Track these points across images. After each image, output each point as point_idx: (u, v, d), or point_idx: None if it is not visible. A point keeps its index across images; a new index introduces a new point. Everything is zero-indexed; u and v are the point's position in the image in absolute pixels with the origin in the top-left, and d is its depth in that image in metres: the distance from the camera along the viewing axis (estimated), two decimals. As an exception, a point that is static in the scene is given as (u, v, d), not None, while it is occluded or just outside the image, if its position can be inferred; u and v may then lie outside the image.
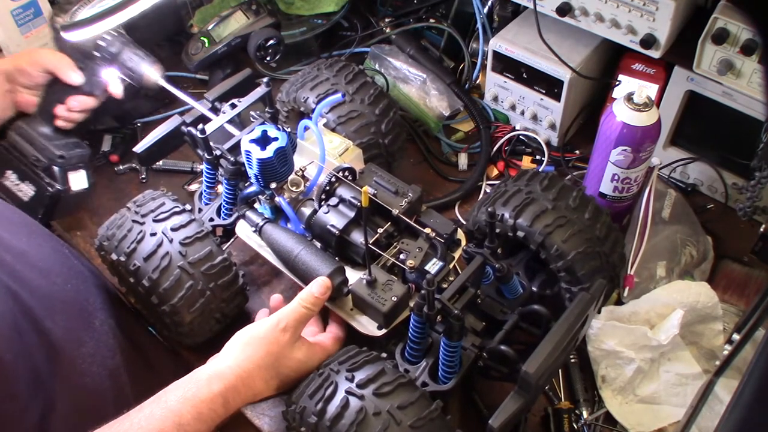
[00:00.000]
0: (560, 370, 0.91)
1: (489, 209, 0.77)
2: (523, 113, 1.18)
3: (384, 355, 0.75)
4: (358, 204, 0.84)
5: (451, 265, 0.82)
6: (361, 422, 0.65)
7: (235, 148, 0.91)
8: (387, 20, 1.34)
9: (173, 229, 0.84)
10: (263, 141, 0.82)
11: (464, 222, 0.98)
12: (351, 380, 0.69)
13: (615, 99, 0.97)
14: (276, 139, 0.82)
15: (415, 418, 0.66)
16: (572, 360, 0.91)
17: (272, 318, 0.78)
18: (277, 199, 0.86)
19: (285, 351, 0.77)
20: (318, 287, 0.79)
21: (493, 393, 0.88)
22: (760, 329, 0.64)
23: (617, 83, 1.09)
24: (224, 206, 0.94)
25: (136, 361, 0.90)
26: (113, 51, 1.04)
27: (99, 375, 0.83)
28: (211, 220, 0.94)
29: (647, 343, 0.86)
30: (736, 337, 0.68)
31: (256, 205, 0.91)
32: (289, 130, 0.87)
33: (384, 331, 0.80)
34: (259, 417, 0.87)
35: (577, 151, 1.16)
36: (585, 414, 0.87)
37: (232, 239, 0.95)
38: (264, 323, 0.78)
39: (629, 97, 0.90)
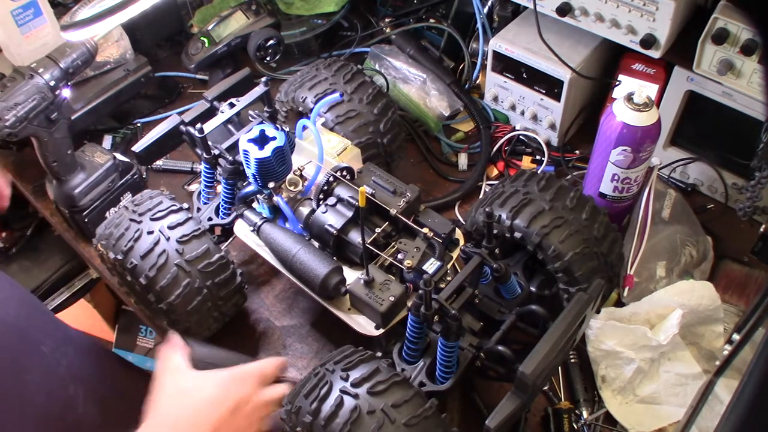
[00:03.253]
0: (560, 370, 0.90)
1: (486, 210, 0.77)
2: (523, 113, 1.18)
3: (379, 354, 0.74)
4: (356, 204, 0.84)
5: (448, 265, 0.82)
6: (356, 421, 0.65)
7: (234, 148, 0.91)
8: (387, 20, 1.34)
9: (170, 227, 0.84)
10: (261, 140, 0.83)
11: (464, 222, 0.98)
12: (346, 379, 0.69)
13: (615, 99, 0.97)
14: (274, 138, 0.82)
15: (409, 416, 0.66)
16: (572, 360, 0.91)
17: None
18: (275, 198, 0.86)
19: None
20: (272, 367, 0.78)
21: (493, 393, 0.88)
22: (760, 329, 0.64)
23: (617, 83, 1.09)
24: (223, 205, 0.94)
25: (105, 393, 0.89)
26: None
27: (46, 405, 0.82)
28: (210, 219, 0.94)
29: (647, 344, 0.86)
30: (736, 337, 0.67)
31: (255, 205, 0.91)
32: (287, 129, 0.87)
33: (381, 330, 0.79)
34: (258, 417, 0.87)
35: (577, 151, 1.16)
36: (585, 414, 0.87)
37: (231, 238, 0.95)
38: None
39: (629, 97, 0.90)
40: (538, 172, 0.96)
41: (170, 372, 0.74)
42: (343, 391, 0.68)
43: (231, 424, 0.71)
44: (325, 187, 0.87)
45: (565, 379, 0.90)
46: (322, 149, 0.88)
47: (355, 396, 0.67)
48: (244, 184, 0.91)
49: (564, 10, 1.02)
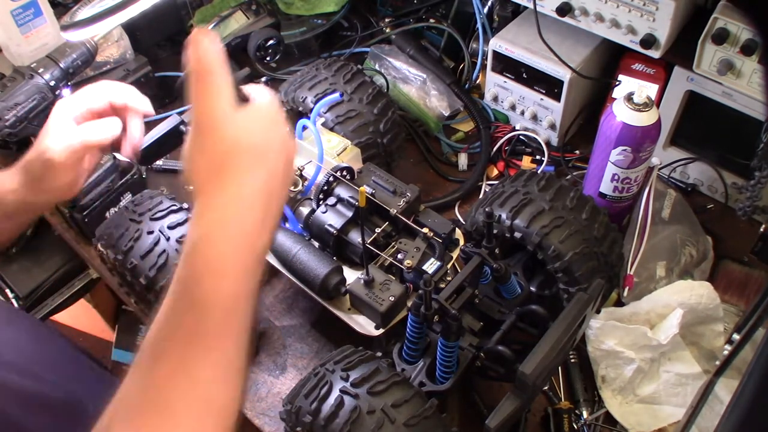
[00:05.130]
0: (560, 370, 0.90)
1: (486, 210, 0.77)
2: (523, 113, 1.18)
3: (379, 354, 0.74)
4: (356, 204, 0.84)
5: (448, 265, 0.82)
6: (355, 421, 0.65)
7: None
8: (387, 20, 1.34)
9: (170, 227, 0.84)
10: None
11: (464, 222, 0.98)
12: (346, 379, 0.69)
13: (615, 99, 0.97)
14: (274, 138, 0.82)
15: (409, 416, 0.66)
16: (572, 360, 0.91)
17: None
18: (275, 198, 0.86)
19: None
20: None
21: (493, 393, 0.88)
22: (760, 329, 0.64)
23: (617, 83, 1.09)
24: (223, 206, 0.94)
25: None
26: None
27: None
28: (210, 219, 0.94)
29: (647, 343, 0.86)
30: (736, 337, 0.67)
31: (255, 205, 0.91)
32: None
33: (381, 330, 0.79)
34: (259, 417, 0.87)
35: (577, 151, 1.16)
36: (585, 414, 0.87)
37: (231, 239, 0.95)
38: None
39: (629, 97, 0.90)
40: (538, 172, 0.96)
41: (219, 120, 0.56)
42: (343, 391, 0.68)
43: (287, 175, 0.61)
44: (325, 187, 0.87)
45: (565, 379, 0.90)
46: (322, 149, 0.88)
47: (355, 396, 0.67)
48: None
49: (564, 10, 1.02)
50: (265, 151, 0.58)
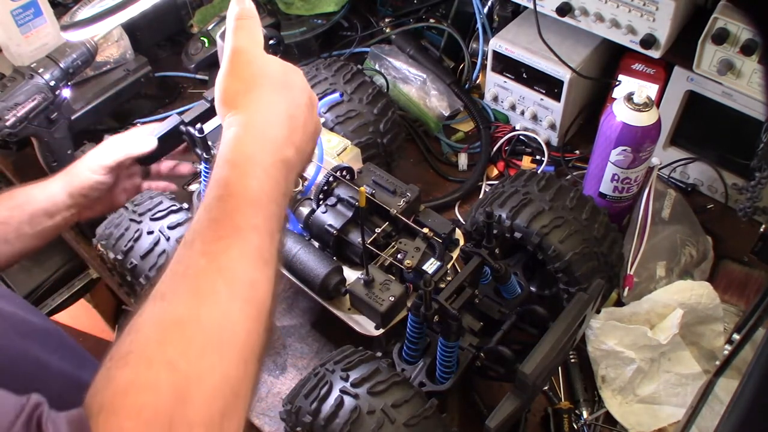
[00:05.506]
0: (560, 370, 0.90)
1: (486, 210, 0.77)
2: (523, 113, 1.18)
3: (379, 354, 0.74)
4: (356, 204, 0.84)
5: (448, 265, 0.81)
6: (355, 421, 0.65)
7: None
8: (387, 20, 1.34)
9: (170, 227, 0.84)
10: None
11: (464, 222, 0.98)
12: (346, 379, 0.69)
13: (615, 99, 0.97)
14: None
15: (409, 416, 0.66)
16: (572, 360, 0.91)
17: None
18: (275, 198, 0.86)
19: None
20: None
21: (493, 393, 0.88)
22: (760, 329, 0.64)
23: (617, 83, 1.09)
24: (223, 206, 0.94)
25: None
26: None
27: None
28: (210, 219, 0.94)
29: (647, 343, 0.86)
30: (736, 337, 0.67)
31: (255, 205, 0.91)
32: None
33: (381, 331, 0.79)
34: (259, 417, 0.87)
35: (577, 151, 1.16)
36: (585, 414, 0.87)
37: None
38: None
39: (629, 97, 0.90)
40: (538, 172, 0.96)
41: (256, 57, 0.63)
42: (343, 391, 0.68)
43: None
44: (325, 187, 0.87)
45: (565, 379, 0.90)
46: (322, 149, 0.88)
47: (355, 396, 0.67)
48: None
49: (564, 10, 1.02)
50: (290, 86, 0.64)
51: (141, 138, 0.93)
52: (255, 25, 0.64)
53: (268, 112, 0.61)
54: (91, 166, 0.91)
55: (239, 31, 0.63)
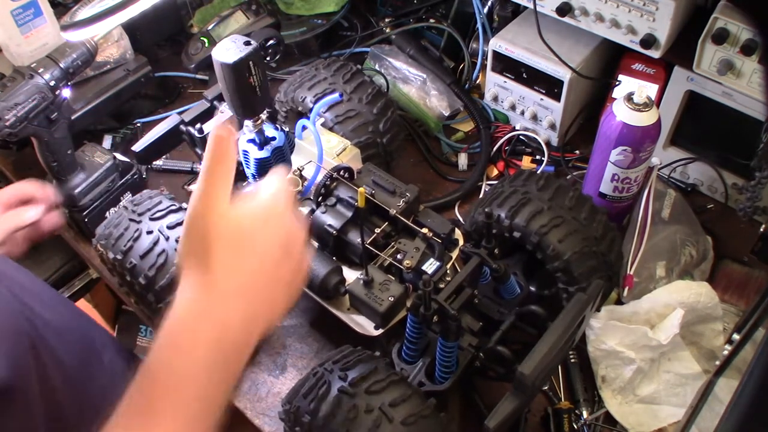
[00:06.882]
0: (560, 370, 0.90)
1: (486, 210, 0.77)
2: (523, 113, 1.18)
3: (378, 354, 0.74)
4: (356, 204, 0.84)
5: (448, 266, 0.81)
6: (353, 420, 0.65)
7: (233, 148, 0.90)
8: (387, 20, 1.34)
9: (170, 227, 0.84)
10: (261, 140, 0.82)
11: (464, 222, 0.98)
12: (344, 379, 0.69)
13: (615, 99, 0.97)
14: (273, 138, 0.82)
15: (407, 415, 0.66)
16: (572, 360, 0.91)
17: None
18: (274, 198, 0.86)
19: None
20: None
21: (493, 393, 0.88)
22: (760, 329, 0.64)
23: (617, 83, 1.09)
24: (222, 206, 0.94)
25: None
26: None
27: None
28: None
29: (647, 343, 0.86)
30: (736, 337, 0.67)
31: (254, 205, 0.91)
32: (286, 129, 0.87)
33: (381, 331, 0.79)
34: (259, 417, 0.87)
35: (577, 151, 1.16)
36: (585, 414, 0.86)
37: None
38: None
39: (629, 97, 0.90)
40: (538, 172, 0.96)
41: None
42: (341, 391, 0.68)
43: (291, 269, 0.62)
44: (325, 188, 0.87)
45: (565, 379, 0.90)
46: (321, 149, 0.88)
47: (353, 395, 0.67)
48: (244, 184, 0.91)
49: (564, 10, 1.02)
50: (254, 239, 0.59)
51: (26, 210, 0.95)
52: (226, 170, 0.58)
53: (222, 273, 0.57)
54: None
55: (202, 186, 0.58)
